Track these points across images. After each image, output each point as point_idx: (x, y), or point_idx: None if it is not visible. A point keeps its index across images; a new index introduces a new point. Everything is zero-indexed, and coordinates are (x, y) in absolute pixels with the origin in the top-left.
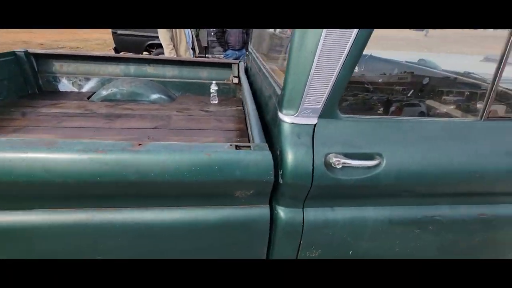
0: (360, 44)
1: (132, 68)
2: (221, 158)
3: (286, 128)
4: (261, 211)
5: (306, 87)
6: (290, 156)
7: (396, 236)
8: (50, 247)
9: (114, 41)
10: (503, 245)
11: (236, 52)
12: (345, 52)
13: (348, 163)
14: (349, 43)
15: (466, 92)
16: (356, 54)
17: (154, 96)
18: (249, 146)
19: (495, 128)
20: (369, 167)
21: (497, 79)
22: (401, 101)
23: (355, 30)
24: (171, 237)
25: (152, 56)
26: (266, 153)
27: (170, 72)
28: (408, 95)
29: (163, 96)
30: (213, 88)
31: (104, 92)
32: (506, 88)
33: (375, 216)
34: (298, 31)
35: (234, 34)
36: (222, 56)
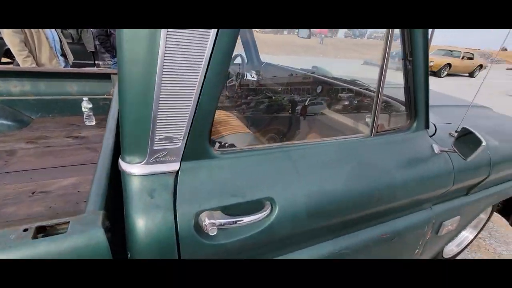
0: (225, 47)
1: None
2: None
3: (130, 184)
4: None
5: (152, 118)
6: (138, 228)
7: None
8: None
9: None
10: (405, 255)
11: None
12: (205, 59)
13: (226, 224)
14: (208, 46)
15: (354, 103)
16: (222, 60)
17: None
18: (67, 223)
19: (385, 142)
20: (261, 220)
21: (379, 93)
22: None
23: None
24: None
25: None
26: (96, 232)
27: (18, 87)
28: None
29: (9, 123)
30: (86, 106)
31: None
32: (391, 98)
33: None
34: (125, 33)
35: None
36: (112, 64)
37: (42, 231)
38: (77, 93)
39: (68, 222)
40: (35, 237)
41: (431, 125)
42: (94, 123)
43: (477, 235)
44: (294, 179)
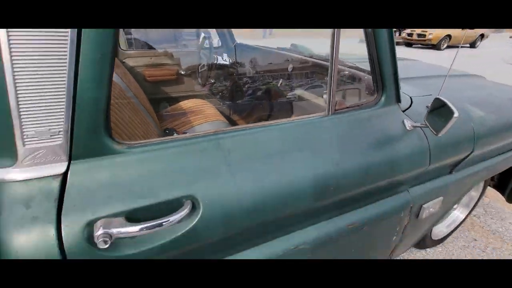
0: None
1: None
2: None
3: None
4: None
5: (12, 111)
6: (9, 249)
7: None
8: None
9: None
10: (380, 243)
11: None
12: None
13: (130, 231)
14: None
15: (318, 79)
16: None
17: None
18: None
19: (345, 121)
20: (178, 222)
21: (334, 66)
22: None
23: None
24: None
25: None
26: None
27: None
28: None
29: None
30: None
31: None
32: (351, 68)
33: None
34: None
35: None
36: None
37: None
38: None
39: None
40: None
41: (407, 98)
42: None
43: (469, 213)
44: (223, 173)
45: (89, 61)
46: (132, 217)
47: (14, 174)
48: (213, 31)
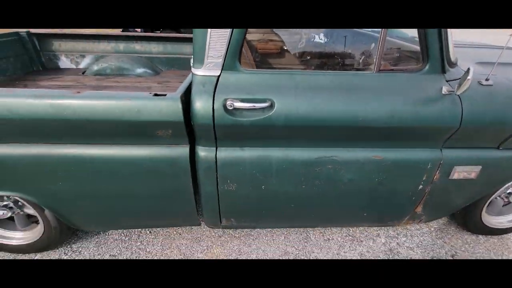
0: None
1: (122, 46)
2: (138, 103)
3: (194, 80)
4: (182, 149)
5: (207, 45)
6: (195, 102)
7: (299, 174)
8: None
9: None
10: (398, 184)
11: None
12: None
13: (239, 106)
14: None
15: (365, 48)
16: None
17: (140, 70)
18: (165, 95)
19: (385, 80)
20: (262, 109)
21: (382, 33)
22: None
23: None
24: (110, 170)
25: (139, 34)
26: (175, 99)
27: (155, 48)
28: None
29: (148, 70)
30: (192, 62)
31: (95, 67)
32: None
33: (278, 156)
34: None
35: None
36: None
37: (156, 95)
38: (190, 53)
39: (165, 94)
40: (155, 95)
41: (460, 70)
42: None
43: None
44: (291, 93)
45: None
46: (243, 100)
47: (200, 71)
48: None
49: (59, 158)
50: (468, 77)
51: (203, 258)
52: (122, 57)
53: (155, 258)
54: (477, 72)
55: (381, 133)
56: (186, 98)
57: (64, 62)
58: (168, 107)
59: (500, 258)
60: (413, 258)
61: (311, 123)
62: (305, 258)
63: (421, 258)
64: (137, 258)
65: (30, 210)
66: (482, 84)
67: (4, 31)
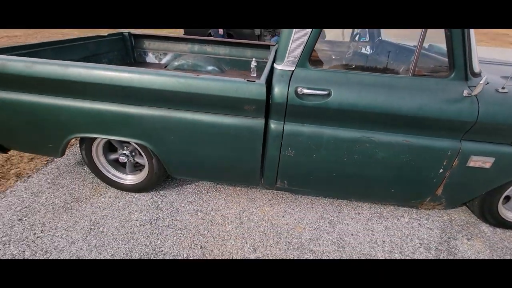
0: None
1: (196, 47)
2: (237, 85)
3: (276, 72)
4: (259, 121)
5: (289, 48)
6: (275, 87)
7: (343, 148)
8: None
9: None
10: (422, 165)
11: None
12: (308, 33)
13: (307, 92)
14: (309, 32)
15: (405, 55)
16: (314, 34)
17: (210, 68)
18: (254, 81)
19: (418, 82)
20: (322, 96)
21: (419, 45)
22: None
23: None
24: (211, 132)
25: (210, 38)
26: (262, 84)
27: (222, 51)
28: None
29: (216, 68)
30: (253, 64)
31: (175, 63)
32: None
33: (329, 133)
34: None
35: None
36: (271, 40)
37: (248, 81)
38: (250, 56)
39: (255, 81)
40: (248, 81)
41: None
42: (255, 75)
43: None
44: (345, 87)
45: (313, 36)
46: (310, 88)
47: (280, 66)
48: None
49: (176, 119)
50: (481, 82)
51: (252, 217)
52: (197, 56)
53: (219, 210)
54: (499, 83)
55: (410, 122)
56: (267, 84)
57: (150, 58)
58: (256, 89)
59: None
60: (430, 237)
61: (357, 109)
62: (339, 224)
63: (438, 238)
64: (143, 259)
65: (139, 159)
66: (499, 91)
67: (104, 31)
